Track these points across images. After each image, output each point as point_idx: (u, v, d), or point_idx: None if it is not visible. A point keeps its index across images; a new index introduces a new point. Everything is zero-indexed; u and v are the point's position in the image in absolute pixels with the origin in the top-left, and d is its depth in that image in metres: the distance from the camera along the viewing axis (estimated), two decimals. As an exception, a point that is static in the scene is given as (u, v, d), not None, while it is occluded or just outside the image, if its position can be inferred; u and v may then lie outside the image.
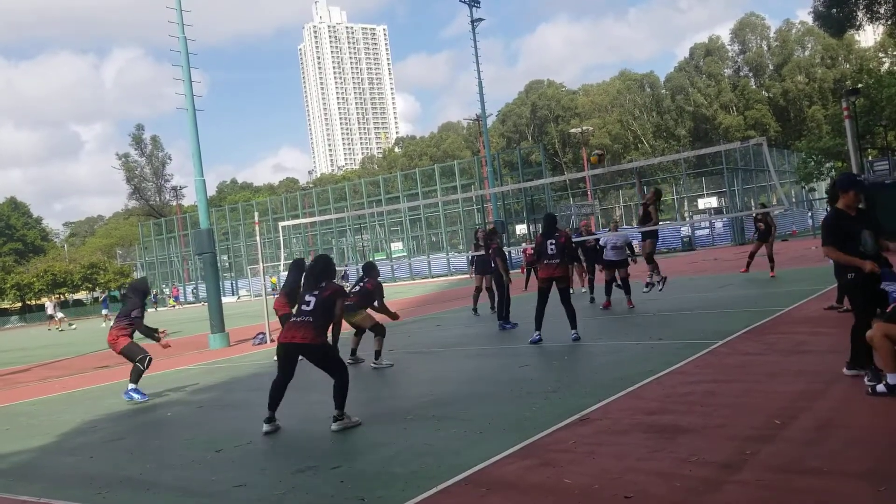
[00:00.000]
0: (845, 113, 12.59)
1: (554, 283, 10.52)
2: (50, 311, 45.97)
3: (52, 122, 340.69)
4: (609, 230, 14.08)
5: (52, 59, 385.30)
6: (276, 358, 7.02)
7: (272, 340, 16.09)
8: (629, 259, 14.84)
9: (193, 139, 18.19)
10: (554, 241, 10.47)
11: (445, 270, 50.32)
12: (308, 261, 8.84)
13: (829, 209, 6.22)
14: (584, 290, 17.20)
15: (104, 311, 41.65)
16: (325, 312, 6.78)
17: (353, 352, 10.80)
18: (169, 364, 14.49)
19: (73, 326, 40.73)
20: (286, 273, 12.31)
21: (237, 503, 4.79)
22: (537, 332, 10.51)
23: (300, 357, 6.88)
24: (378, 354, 10.23)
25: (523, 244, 38.34)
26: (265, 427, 6.71)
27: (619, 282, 14.23)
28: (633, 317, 12.53)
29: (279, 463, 5.62)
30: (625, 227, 44.21)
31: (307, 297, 6.86)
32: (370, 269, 10.80)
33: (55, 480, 6.03)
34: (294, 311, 7.05)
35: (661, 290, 13.92)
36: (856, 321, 5.99)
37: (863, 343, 5.86)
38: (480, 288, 16.38)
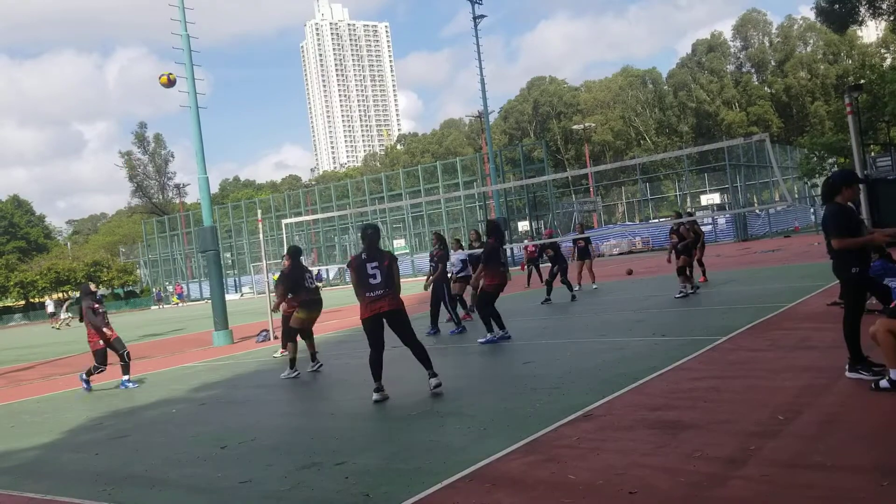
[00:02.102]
0: (848, 109, 12.57)
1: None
2: (51, 309, 46.03)
3: (56, 121, 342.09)
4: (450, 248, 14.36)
5: (56, 58, 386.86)
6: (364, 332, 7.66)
7: (276, 338, 16.13)
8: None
9: (196, 137, 18.20)
10: (504, 249, 10.90)
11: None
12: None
13: (826, 205, 6.13)
14: (594, 286, 17.86)
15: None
16: (392, 280, 7.44)
17: (314, 356, 10.61)
18: (173, 361, 14.54)
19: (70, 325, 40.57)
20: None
21: (242, 500, 4.81)
22: (499, 332, 11.00)
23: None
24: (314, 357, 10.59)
25: (525, 241, 38.36)
26: (375, 396, 7.39)
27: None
28: (636, 314, 12.54)
29: (284, 459, 5.64)
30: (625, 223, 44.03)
31: (370, 270, 7.36)
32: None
33: (61, 477, 6.05)
34: (359, 285, 7.44)
35: (684, 296, 14.06)
36: (848, 316, 5.98)
37: (857, 338, 5.87)
38: (477, 286, 16.45)
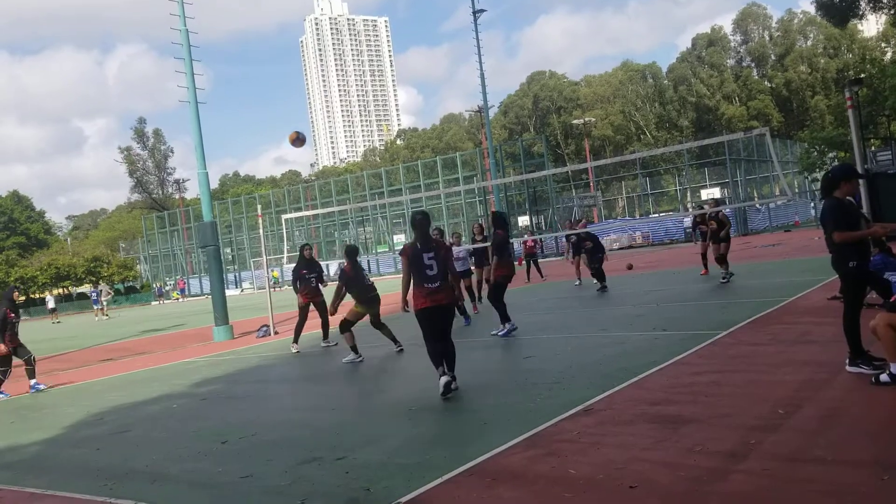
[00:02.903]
0: (848, 103, 12.50)
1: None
2: (51, 305, 46.28)
3: (57, 118, 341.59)
4: (452, 242, 14.67)
5: (57, 54, 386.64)
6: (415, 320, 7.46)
7: (276, 333, 16.14)
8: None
9: (196, 131, 18.19)
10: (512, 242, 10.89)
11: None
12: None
13: (825, 199, 6.14)
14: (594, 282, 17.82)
15: (96, 307, 41.88)
16: (446, 274, 7.26)
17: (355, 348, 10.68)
18: (174, 357, 14.55)
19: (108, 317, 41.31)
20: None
21: (243, 494, 4.81)
22: (510, 322, 11.03)
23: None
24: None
25: (525, 235, 38.37)
26: (444, 379, 6.98)
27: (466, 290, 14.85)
28: (637, 308, 12.54)
29: (285, 454, 5.64)
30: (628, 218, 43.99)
31: (426, 261, 7.12)
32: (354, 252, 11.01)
33: (62, 472, 6.06)
34: (413, 275, 7.22)
35: (725, 281, 14.69)
36: (847, 311, 5.97)
37: (856, 332, 5.87)
38: (481, 280, 16.52)
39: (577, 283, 18.77)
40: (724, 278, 14.67)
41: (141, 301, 64.94)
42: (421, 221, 7.32)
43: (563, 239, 18.85)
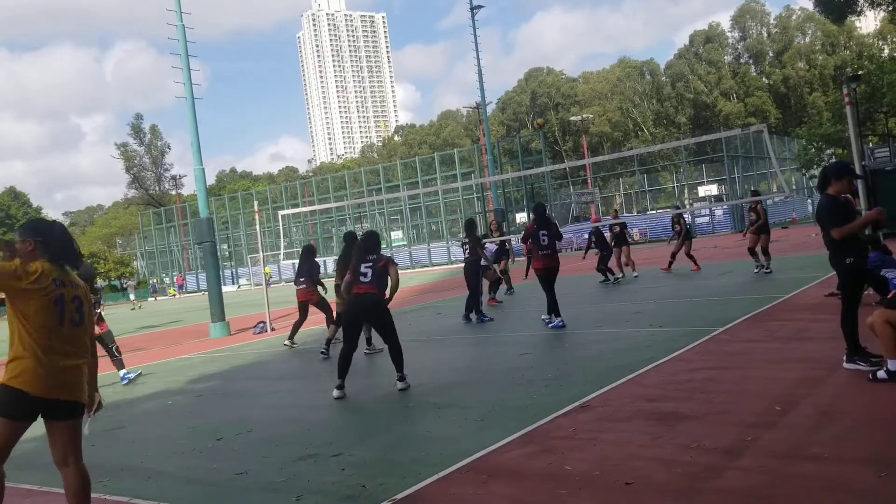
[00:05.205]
0: (846, 100, 12.49)
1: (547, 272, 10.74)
2: None
3: (54, 114, 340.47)
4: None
5: (55, 51, 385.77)
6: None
7: (272, 329, 16.11)
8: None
9: (192, 127, 18.15)
10: (547, 232, 10.58)
11: (445, 259, 50.28)
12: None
13: (821, 197, 6.16)
14: (634, 274, 18.13)
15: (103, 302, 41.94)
16: (381, 280, 7.47)
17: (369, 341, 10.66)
18: (170, 353, 14.52)
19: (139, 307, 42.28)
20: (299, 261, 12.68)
21: (239, 491, 4.80)
22: (560, 319, 10.59)
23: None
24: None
25: (523, 233, 38.33)
26: (338, 393, 7.36)
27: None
28: (634, 305, 12.54)
29: (280, 451, 5.62)
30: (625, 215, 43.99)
31: (362, 269, 7.42)
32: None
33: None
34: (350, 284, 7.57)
35: (768, 271, 14.93)
36: (845, 308, 5.96)
37: (854, 329, 5.86)
38: (505, 271, 16.82)
39: (619, 276, 18.12)
40: (766, 269, 14.98)
41: (138, 297, 64.76)
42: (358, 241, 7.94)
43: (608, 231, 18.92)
